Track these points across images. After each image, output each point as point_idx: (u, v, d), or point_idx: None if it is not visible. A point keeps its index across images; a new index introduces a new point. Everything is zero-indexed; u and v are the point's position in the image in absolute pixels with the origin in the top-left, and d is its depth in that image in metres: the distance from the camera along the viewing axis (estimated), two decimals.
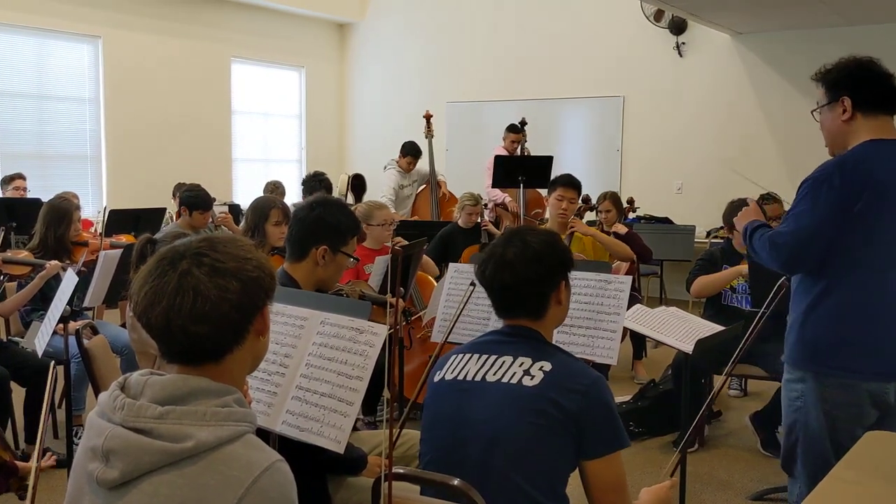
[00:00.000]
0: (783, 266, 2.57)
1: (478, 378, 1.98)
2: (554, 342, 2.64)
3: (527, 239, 2.04)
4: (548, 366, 1.93)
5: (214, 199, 6.11)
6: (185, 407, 1.29)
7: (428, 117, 8.07)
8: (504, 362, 1.98)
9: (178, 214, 5.54)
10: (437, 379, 2.08)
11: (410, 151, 7.88)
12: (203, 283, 1.32)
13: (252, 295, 1.37)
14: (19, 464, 2.33)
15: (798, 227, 2.49)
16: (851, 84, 2.53)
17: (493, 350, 2.02)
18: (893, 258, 2.52)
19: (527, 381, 1.92)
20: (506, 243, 2.04)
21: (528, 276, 1.99)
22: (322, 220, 2.62)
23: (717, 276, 4.43)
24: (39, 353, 3.40)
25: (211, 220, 5.76)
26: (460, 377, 2.01)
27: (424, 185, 7.96)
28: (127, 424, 1.29)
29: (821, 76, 2.63)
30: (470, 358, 2.04)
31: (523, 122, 8.03)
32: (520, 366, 1.95)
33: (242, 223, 4.47)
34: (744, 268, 4.28)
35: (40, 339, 3.28)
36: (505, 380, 1.94)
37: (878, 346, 2.53)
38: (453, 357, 2.08)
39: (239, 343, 1.38)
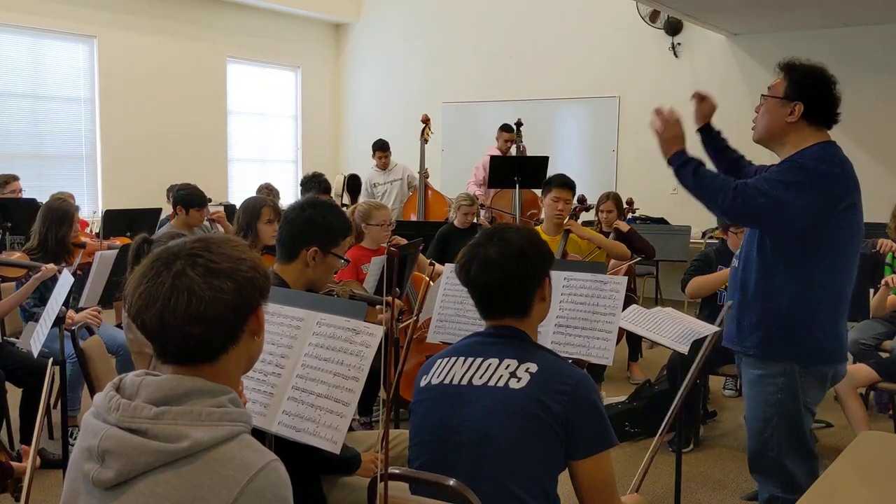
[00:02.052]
0: (737, 215, 2.67)
1: (464, 382, 1.97)
2: (550, 343, 2.67)
3: (507, 237, 2.03)
4: (533, 367, 1.93)
5: (210, 200, 6.10)
6: (181, 407, 1.30)
7: (426, 120, 8.08)
8: (490, 365, 1.97)
9: (173, 215, 5.53)
10: (423, 384, 2.07)
11: (376, 147, 8.15)
12: (197, 283, 1.33)
13: (246, 295, 1.38)
14: (14, 464, 2.32)
15: (778, 197, 2.54)
16: (810, 95, 2.63)
17: (478, 352, 2.01)
18: (858, 247, 2.69)
19: (513, 384, 1.91)
20: (487, 242, 2.03)
21: (513, 273, 1.98)
22: (312, 222, 2.60)
23: (712, 276, 4.44)
24: (35, 354, 3.39)
25: (206, 217, 5.75)
26: (446, 381, 2.00)
27: (412, 192, 8.03)
28: (122, 425, 1.29)
29: (787, 68, 2.69)
30: (455, 361, 2.03)
31: (519, 123, 8.04)
32: (506, 368, 1.94)
33: (234, 224, 4.47)
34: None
35: (36, 339, 3.27)
36: (492, 383, 1.94)
37: (841, 330, 2.71)
38: (439, 361, 2.07)
39: (234, 343, 1.39)
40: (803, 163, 2.59)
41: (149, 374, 1.37)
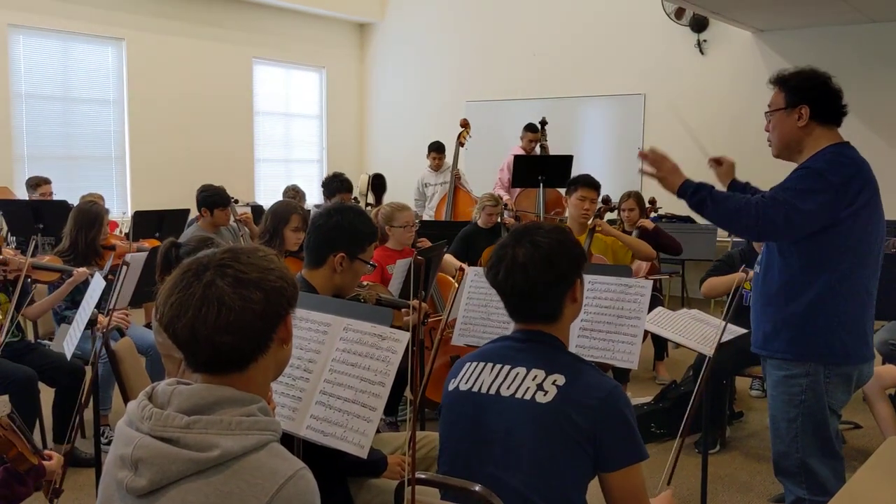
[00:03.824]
0: (762, 232, 2.65)
1: (492, 391, 1.96)
2: (574, 346, 2.68)
3: (536, 239, 1.97)
4: (561, 379, 1.90)
5: (237, 201, 6.15)
6: (211, 416, 1.33)
7: (465, 124, 8.13)
8: (518, 374, 1.95)
9: (199, 216, 5.60)
10: (451, 388, 2.06)
11: (431, 148, 8.22)
12: (227, 293, 1.36)
13: (275, 304, 1.40)
14: (47, 464, 2.37)
15: (796, 205, 2.56)
16: (812, 95, 2.66)
17: (506, 359, 1.99)
18: (880, 246, 2.70)
19: (540, 397, 1.89)
20: (516, 243, 1.97)
21: (541, 278, 1.93)
22: (339, 228, 2.63)
23: (725, 278, 4.47)
24: (68, 357, 3.46)
25: (233, 218, 5.81)
26: (475, 388, 1.99)
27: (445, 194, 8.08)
28: (154, 434, 1.33)
29: (780, 81, 2.74)
30: (483, 367, 2.01)
31: (543, 122, 8.03)
32: (533, 379, 1.92)
33: (261, 225, 4.51)
34: (743, 275, 4.30)
35: (69, 342, 3.33)
36: (519, 395, 1.92)
37: (866, 330, 2.71)
38: (467, 365, 2.06)
39: (263, 352, 1.41)
40: (816, 167, 2.61)
41: (181, 382, 1.40)
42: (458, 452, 2.01)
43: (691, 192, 2.71)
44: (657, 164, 2.80)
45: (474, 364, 2.05)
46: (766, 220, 2.59)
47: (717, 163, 3.10)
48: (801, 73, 2.72)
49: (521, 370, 1.95)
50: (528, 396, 1.91)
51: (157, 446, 1.31)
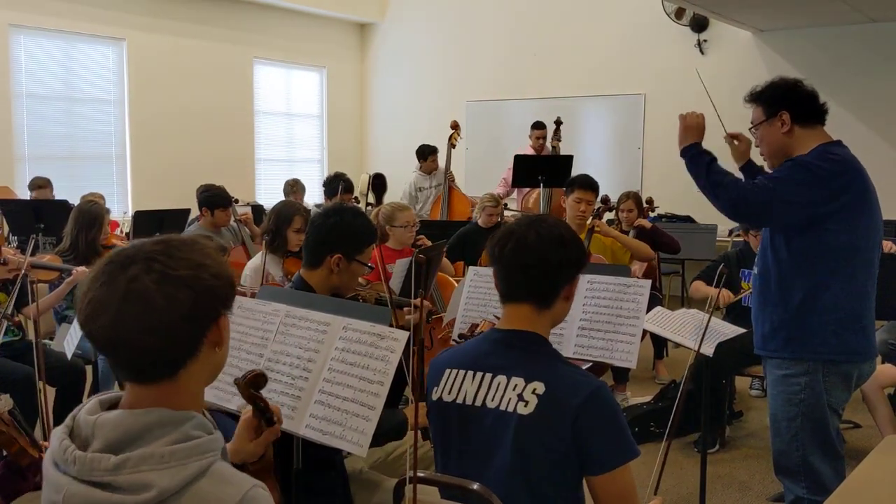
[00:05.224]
0: (739, 210, 2.75)
1: (478, 402, 1.96)
2: (573, 346, 2.69)
3: (548, 223, 2.00)
4: (540, 387, 1.88)
5: (237, 200, 6.16)
6: (142, 450, 1.20)
7: (455, 126, 8.13)
8: (499, 384, 1.94)
9: (200, 216, 5.61)
10: (435, 397, 2.04)
11: (420, 154, 8.26)
12: (151, 291, 1.22)
13: (205, 305, 1.26)
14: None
15: (777, 192, 2.63)
16: (789, 99, 2.73)
17: (487, 366, 1.98)
18: (875, 243, 2.72)
19: (521, 409, 1.88)
20: (527, 226, 1.98)
21: (549, 257, 1.94)
22: (337, 229, 2.64)
23: (705, 289, 4.48)
24: (69, 356, 3.47)
25: (234, 218, 5.82)
26: (459, 400, 1.98)
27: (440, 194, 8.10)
28: (83, 478, 1.20)
29: (755, 97, 2.81)
30: (465, 376, 2.00)
31: (559, 122, 7.94)
32: (513, 389, 1.91)
33: (263, 224, 4.53)
34: (713, 291, 4.31)
35: (69, 341, 3.35)
36: (503, 407, 1.91)
37: (866, 328, 2.72)
38: (448, 371, 2.04)
39: (192, 356, 1.28)
40: (802, 161, 2.66)
41: (103, 401, 1.29)
42: (448, 466, 2.02)
43: (695, 153, 2.83)
44: (690, 114, 2.99)
45: (455, 372, 2.03)
46: (745, 203, 2.68)
47: (733, 138, 3.12)
48: (771, 84, 2.80)
49: (502, 379, 1.94)
50: (510, 409, 1.90)
51: (87, 493, 1.19)
